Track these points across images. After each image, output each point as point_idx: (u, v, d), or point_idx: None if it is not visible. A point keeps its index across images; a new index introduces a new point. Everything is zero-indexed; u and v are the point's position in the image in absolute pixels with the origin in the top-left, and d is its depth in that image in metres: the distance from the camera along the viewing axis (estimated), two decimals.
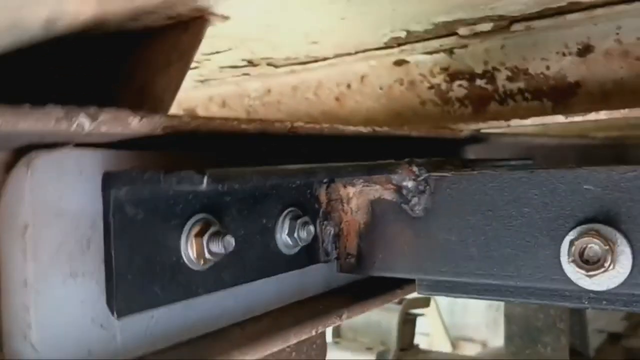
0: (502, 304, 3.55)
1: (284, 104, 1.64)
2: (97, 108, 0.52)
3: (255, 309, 0.75)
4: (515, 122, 1.14)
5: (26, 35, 0.21)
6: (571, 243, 0.63)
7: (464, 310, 3.75)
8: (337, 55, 1.34)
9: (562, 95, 1.18)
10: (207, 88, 1.76)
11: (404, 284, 0.94)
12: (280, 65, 1.45)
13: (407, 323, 2.07)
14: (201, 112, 1.88)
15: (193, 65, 0.97)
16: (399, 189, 0.79)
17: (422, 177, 0.77)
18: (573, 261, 0.63)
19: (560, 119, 1.10)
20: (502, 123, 1.15)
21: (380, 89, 1.40)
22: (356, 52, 1.32)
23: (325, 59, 1.36)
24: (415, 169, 0.77)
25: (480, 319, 3.67)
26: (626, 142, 2.54)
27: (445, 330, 3.63)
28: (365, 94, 1.44)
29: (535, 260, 0.68)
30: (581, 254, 0.63)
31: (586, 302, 0.67)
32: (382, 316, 2.01)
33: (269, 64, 1.44)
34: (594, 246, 0.63)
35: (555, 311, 1.80)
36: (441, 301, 3.17)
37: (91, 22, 0.46)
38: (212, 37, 1.03)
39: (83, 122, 0.50)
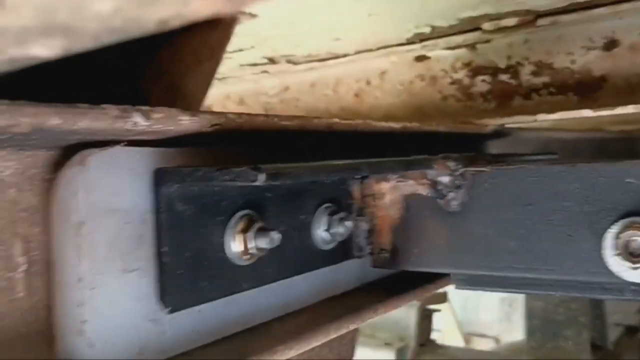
0: (515, 299, 3.55)
1: (302, 101, 1.65)
2: (149, 107, 0.52)
3: (293, 305, 0.75)
4: (542, 117, 1.14)
5: (131, 34, 0.21)
6: (616, 236, 0.63)
7: (477, 306, 3.74)
8: (357, 52, 1.34)
9: (588, 89, 1.18)
10: (224, 86, 1.76)
11: (436, 278, 0.94)
12: (300, 62, 1.45)
13: (425, 319, 2.07)
14: (218, 109, 1.89)
15: None
16: (433, 184, 0.79)
17: (458, 172, 0.77)
18: (618, 254, 0.63)
19: (587, 113, 1.10)
20: (529, 118, 1.15)
21: (401, 85, 1.40)
22: (377, 49, 1.33)
23: (345, 55, 1.36)
24: (450, 164, 0.77)
25: (493, 315, 3.67)
26: (634, 134, 2.54)
27: (458, 326, 3.63)
28: (385, 90, 1.44)
29: (576, 253, 0.68)
30: (625, 246, 0.63)
31: (628, 294, 0.67)
32: (400, 312, 2.01)
33: (288, 61, 1.44)
34: (638, 239, 0.63)
35: (577, 305, 1.80)
36: (454, 297, 3.17)
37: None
38: (236, 36, 1.04)
39: (137, 120, 0.50)
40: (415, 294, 0.89)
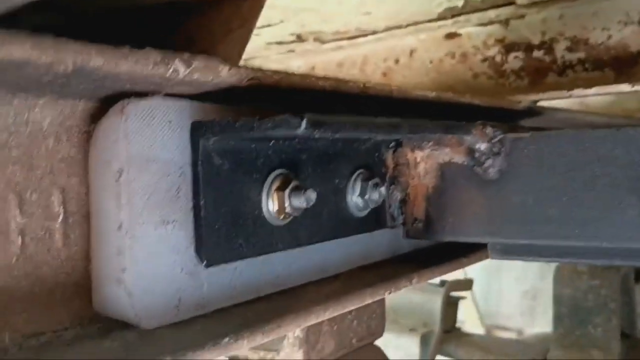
0: (540, 291, 3.50)
1: None
2: (190, 54, 0.51)
3: (327, 270, 0.74)
4: (578, 92, 1.11)
5: None
6: None
7: (499, 297, 3.71)
8: (387, 29, 1.32)
9: (625, 64, 1.14)
10: None
11: (469, 252, 0.92)
12: (328, 40, 1.43)
13: (450, 305, 2.05)
14: None
15: None
16: (470, 152, 0.77)
17: (496, 139, 0.75)
18: None
19: (625, 87, 1.07)
20: (564, 93, 1.12)
21: (430, 62, 1.38)
22: (407, 25, 1.31)
23: (374, 32, 1.35)
24: (489, 130, 0.75)
25: (515, 307, 3.62)
26: None
27: (480, 317, 3.60)
28: (414, 68, 1.42)
29: (620, 220, 0.66)
30: None
31: None
32: (425, 298, 1.99)
33: (316, 39, 1.43)
34: None
35: (607, 291, 1.76)
36: (475, 287, 3.14)
37: None
38: (266, 7, 1.03)
39: (178, 68, 0.49)
40: (450, 266, 0.87)
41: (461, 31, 1.30)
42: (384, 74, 1.49)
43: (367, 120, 0.55)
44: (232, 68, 0.54)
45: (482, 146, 0.76)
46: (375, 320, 0.99)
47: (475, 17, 1.21)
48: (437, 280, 2.08)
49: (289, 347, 0.85)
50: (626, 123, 2.10)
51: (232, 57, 0.94)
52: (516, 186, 0.74)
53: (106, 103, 0.54)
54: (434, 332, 1.96)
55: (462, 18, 1.21)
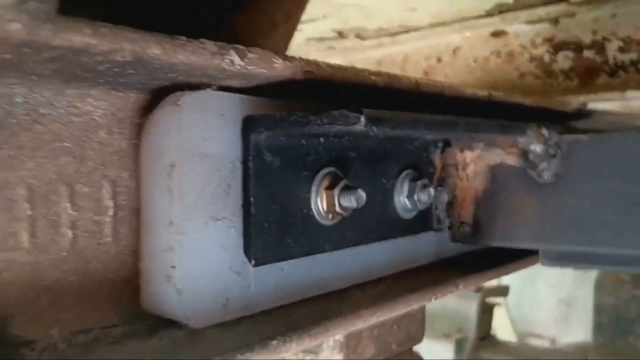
0: (575, 300, 3.41)
1: None
2: (245, 47, 0.50)
3: (371, 273, 0.72)
4: (631, 94, 1.07)
5: None
6: None
7: (532, 304, 3.62)
8: (431, 25, 1.29)
9: None
10: None
11: (516, 258, 0.89)
12: (369, 37, 1.41)
13: (486, 312, 2.00)
14: None
15: None
16: (524, 154, 0.74)
17: (552, 141, 0.72)
18: None
19: None
20: (616, 94, 1.08)
21: (474, 61, 1.35)
22: (452, 22, 1.27)
23: (418, 29, 1.32)
24: (545, 131, 0.72)
25: (549, 315, 3.54)
26: None
27: (512, 324, 3.52)
28: (457, 67, 1.39)
29: None
30: None
31: None
32: (460, 303, 1.95)
33: (357, 36, 1.41)
34: None
35: None
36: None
37: None
38: (310, 2, 1.01)
39: (233, 59, 0.48)
40: (496, 272, 0.84)
41: (508, 29, 1.27)
42: (426, 73, 1.46)
43: (425, 118, 0.53)
44: (287, 60, 0.52)
45: (537, 148, 0.73)
46: (416, 325, 0.97)
47: (524, 14, 1.17)
48: None
49: (329, 351, 0.83)
50: None
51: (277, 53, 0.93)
52: (572, 190, 0.71)
53: (157, 96, 0.52)
54: (469, 338, 1.91)
55: (510, 15, 1.18)
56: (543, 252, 0.75)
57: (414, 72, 1.48)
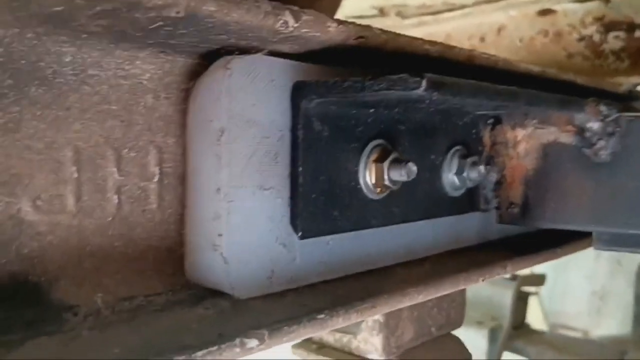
0: (609, 292, 3.33)
1: None
2: (300, 9, 0.48)
3: (416, 252, 0.70)
4: None
5: None
6: None
7: (565, 295, 3.55)
8: (476, 3, 1.25)
9: None
10: None
11: (565, 242, 0.86)
12: (410, 15, 1.37)
13: (520, 301, 1.96)
14: None
15: None
16: (580, 131, 0.71)
17: (611, 118, 0.68)
18: None
19: None
20: None
21: (520, 41, 1.30)
22: (497, 0, 1.23)
23: (462, 7, 1.28)
24: (603, 108, 0.69)
25: (582, 307, 3.46)
26: None
27: (544, 314, 3.46)
28: (502, 46, 1.34)
29: None
30: None
31: None
32: (494, 291, 1.91)
33: (398, 14, 1.37)
34: None
35: None
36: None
37: None
38: None
39: (288, 20, 0.46)
40: (544, 255, 0.81)
41: (556, 7, 1.22)
42: None
43: (486, 86, 0.50)
44: (340, 24, 0.50)
45: (595, 125, 0.69)
46: (455, 309, 0.95)
47: None
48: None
49: (368, 331, 0.81)
50: None
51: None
52: (631, 170, 0.67)
53: (206, 60, 0.51)
54: (502, 327, 1.88)
55: None
56: (597, 235, 0.72)
57: None
